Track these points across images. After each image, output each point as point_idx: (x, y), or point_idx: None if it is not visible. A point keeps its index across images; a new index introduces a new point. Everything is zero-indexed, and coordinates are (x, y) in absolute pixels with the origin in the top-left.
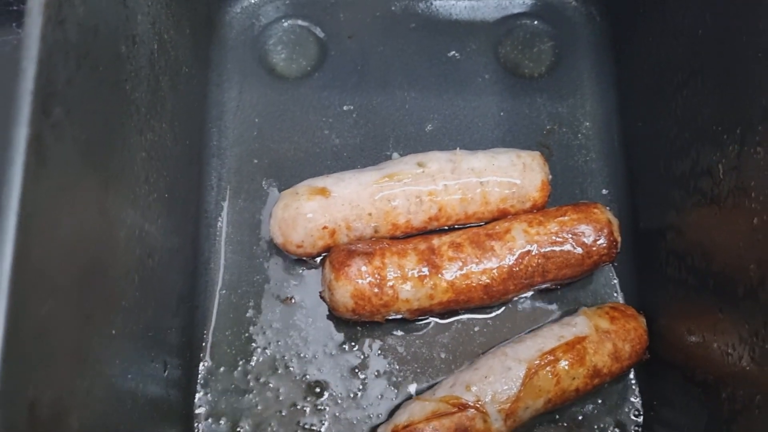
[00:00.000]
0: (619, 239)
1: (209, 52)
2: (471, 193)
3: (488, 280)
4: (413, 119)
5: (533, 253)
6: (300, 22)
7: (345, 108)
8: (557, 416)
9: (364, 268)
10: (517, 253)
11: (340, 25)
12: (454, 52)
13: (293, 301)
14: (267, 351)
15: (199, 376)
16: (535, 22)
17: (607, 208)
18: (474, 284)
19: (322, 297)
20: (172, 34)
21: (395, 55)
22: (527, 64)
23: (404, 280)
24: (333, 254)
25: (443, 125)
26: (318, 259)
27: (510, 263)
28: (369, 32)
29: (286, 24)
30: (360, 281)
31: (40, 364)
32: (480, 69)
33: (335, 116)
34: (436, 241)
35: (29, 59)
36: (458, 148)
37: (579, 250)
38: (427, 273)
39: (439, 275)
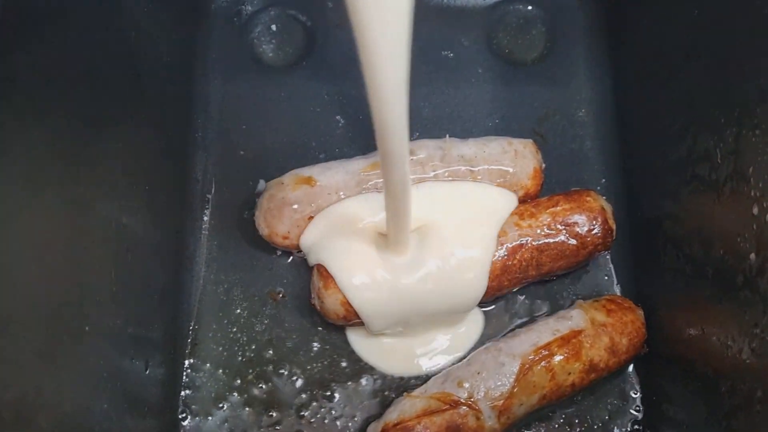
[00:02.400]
0: (614, 227)
1: (194, 40)
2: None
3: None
4: None
5: (526, 247)
6: (287, 10)
7: (333, 97)
8: (553, 412)
9: None
10: (510, 247)
11: (327, 13)
12: (445, 39)
13: (281, 296)
14: (254, 347)
15: (184, 374)
16: (529, 7)
17: (602, 196)
18: None
19: (312, 304)
20: (151, 22)
21: None
22: (520, 51)
23: None
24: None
25: (434, 113)
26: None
27: (503, 257)
28: None
29: (272, 12)
30: None
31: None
32: (472, 56)
33: (323, 105)
34: None
35: None
36: (447, 135)
37: (573, 241)
38: None
39: None
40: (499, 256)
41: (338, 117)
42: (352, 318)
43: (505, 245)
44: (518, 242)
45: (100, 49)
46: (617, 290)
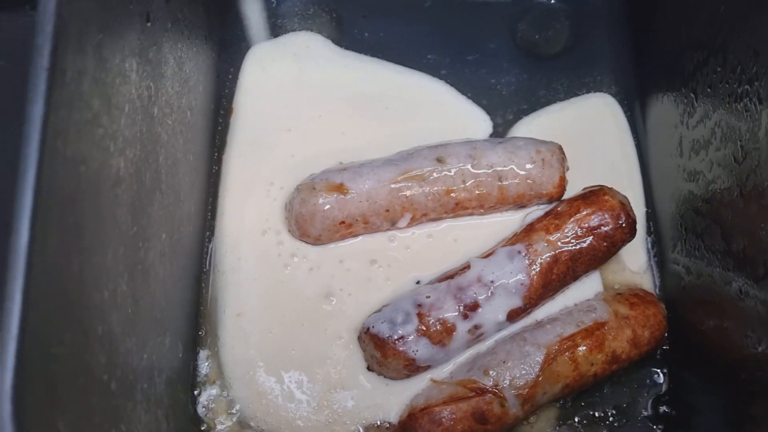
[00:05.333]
0: (635, 216)
1: (223, 32)
2: (489, 188)
3: (527, 301)
4: None
5: (561, 260)
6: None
7: None
8: (574, 400)
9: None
10: (546, 264)
11: (355, 4)
12: (469, 32)
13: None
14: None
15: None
16: (552, 1)
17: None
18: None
19: (369, 369)
20: (186, 13)
21: (410, 34)
22: (544, 44)
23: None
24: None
25: None
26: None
27: (542, 275)
28: (384, 10)
29: (301, 3)
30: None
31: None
32: (496, 48)
33: None
34: None
35: (44, 34)
36: (478, 141)
37: (603, 242)
38: None
39: None
40: (537, 275)
41: None
42: (415, 372)
43: (540, 263)
44: (552, 258)
45: (143, 36)
46: (639, 283)
